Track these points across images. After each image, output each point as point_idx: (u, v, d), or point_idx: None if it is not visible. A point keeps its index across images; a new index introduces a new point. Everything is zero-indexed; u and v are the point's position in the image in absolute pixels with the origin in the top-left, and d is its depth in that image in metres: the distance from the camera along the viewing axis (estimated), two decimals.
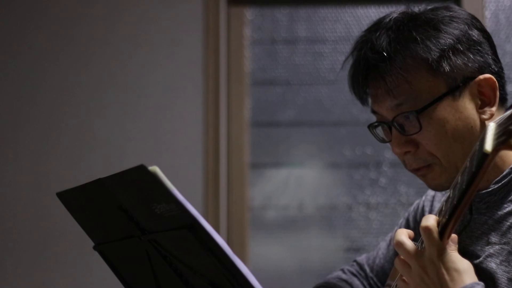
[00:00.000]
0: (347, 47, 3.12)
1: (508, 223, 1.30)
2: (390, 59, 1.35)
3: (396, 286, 1.36)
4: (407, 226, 1.60)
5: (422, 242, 1.23)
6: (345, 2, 3.16)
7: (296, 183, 3.15)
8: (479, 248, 1.32)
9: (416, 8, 1.41)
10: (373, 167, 3.11)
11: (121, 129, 3.01)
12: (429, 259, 1.21)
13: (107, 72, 3.03)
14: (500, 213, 1.32)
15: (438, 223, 1.21)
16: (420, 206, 1.59)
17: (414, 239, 1.26)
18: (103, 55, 3.04)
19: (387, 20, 1.39)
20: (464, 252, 1.27)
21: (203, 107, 3.00)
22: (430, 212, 1.55)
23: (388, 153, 3.06)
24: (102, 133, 3.01)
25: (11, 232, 2.98)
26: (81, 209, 1.34)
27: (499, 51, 1.45)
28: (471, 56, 1.35)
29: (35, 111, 3.03)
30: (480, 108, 1.36)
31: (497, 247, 1.29)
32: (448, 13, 1.38)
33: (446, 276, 1.19)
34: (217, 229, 2.90)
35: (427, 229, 1.21)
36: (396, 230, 1.35)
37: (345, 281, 1.66)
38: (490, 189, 1.34)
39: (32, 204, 2.98)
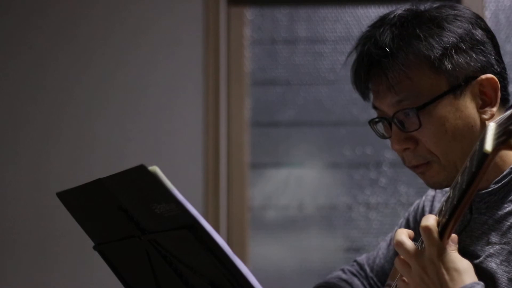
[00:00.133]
0: (347, 47, 3.13)
1: (508, 223, 1.30)
2: (392, 55, 1.35)
3: (396, 286, 1.36)
4: (407, 226, 1.60)
5: (422, 242, 1.23)
6: (345, 2, 3.16)
7: (296, 183, 3.15)
8: (479, 248, 1.32)
9: (422, 6, 1.41)
10: (373, 167, 3.11)
11: (121, 129, 3.01)
12: (429, 259, 1.21)
13: (107, 72, 3.03)
14: (500, 213, 1.32)
15: (438, 223, 1.21)
16: (420, 206, 1.59)
17: (414, 239, 1.26)
18: (103, 55, 3.04)
19: (392, 16, 1.39)
20: (464, 252, 1.27)
21: (203, 107, 3.00)
22: (430, 212, 1.55)
23: (388, 153, 3.06)
24: (102, 133, 3.01)
25: (11, 232, 2.98)
26: (81, 209, 1.34)
27: None
28: (473, 55, 1.36)
29: (35, 111, 3.03)
30: (481, 108, 1.36)
31: (497, 247, 1.29)
32: (453, 12, 1.38)
33: (446, 276, 1.19)
34: (217, 229, 2.90)
35: (427, 229, 1.21)
36: (396, 230, 1.35)
37: (345, 281, 1.66)
38: (490, 189, 1.34)
39: (32, 204, 2.98)
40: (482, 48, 1.37)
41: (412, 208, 1.63)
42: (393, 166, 3.09)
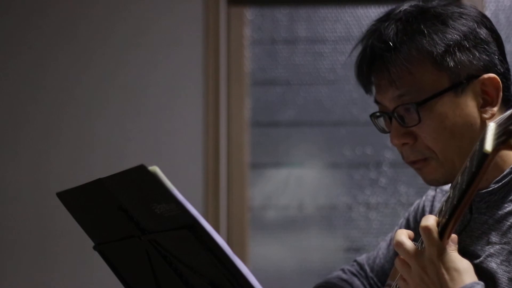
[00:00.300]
0: (347, 47, 3.13)
1: (509, 223, 1.30)
2: (395, 50, 1.35)
3: (396, 286, 1.36)
4: (407, 226, 1.60)
5: (422, 242, 1.23)
6: (345, 2, 3.16)
7: (296, 183, 3.15)
8: (479, 248, 1.31)
9: (429, 3, 1.41)
10: (373, 167, 3.11)
11: (121, 129, 3.01)
12: (429, 259, 1.21)
13: (107, 72, 3.03)
14: (500, 212, 1.32)
15: (438, 223, 1.21)
16: (421, 206, 1.59)
17: (414, 239, 1.26)
18: (103, 55, 3.04)
19: (398, 11, 1.40)
20: (464, 252, 1.27)
21: (203, 107, 3.00)
22: (431, 212, 1.54)
23: (388, 153, 3.06)
24: (102, 133, 3.01)
25: (11, 232, 2.98)
26: (81, 209, 1.34)
27: None
28: (477, 54, 1.36)
29: (35, 111, 3.03)
30: (482, 107, 1.36)
31: (497, 246, 1.29)
32: (458, 10, 1.38)
33: (446, 276, 1.19)
34: (217, 229, 2.90)
35: (427, 229, 1.21)
36: (396, 230, 1.35)
37: (346, 281, 1.66)
38: (491, 188, 1.34)
39: (32, 204, 2.98)
40: (486, 47, 1.37)
41: (412, 208, 1.63)
42: (393, 166, 3.08)
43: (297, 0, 3.18)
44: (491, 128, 1.12)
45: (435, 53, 1.34)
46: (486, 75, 1.36)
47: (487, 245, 1.31)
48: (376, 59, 1.38)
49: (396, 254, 1.29)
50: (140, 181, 1.15)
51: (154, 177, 1.10)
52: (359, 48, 1.43)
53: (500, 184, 1.34)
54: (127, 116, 3.01)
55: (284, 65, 3.18)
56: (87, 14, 3.07)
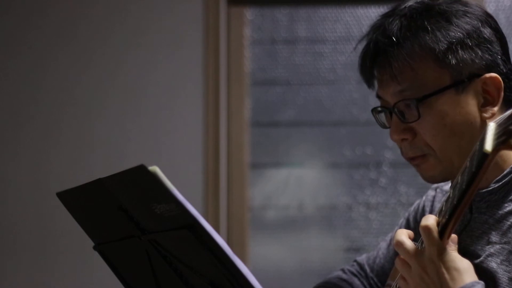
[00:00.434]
0: (347, 47, 3.13)
1: (509, 223, 1.30)
2: (398, 45, 1.36)
3: (396, 285, 1.36)
4: (407, 226, 1.60)
5: (422, 242, 1.23)
6: (345, 2, 3.16)
7: (296, 183, 3.15)
8: (479, 247, 1.31)
9: (435, 0, 1.42)
10: (373, 167, 3.11)
11: (121, 129, 3.01)
12: (429, 258, 1.21)
13: (107, 72, 3.03)
14: (500, 212, 1.32)
15: (438, 223, 1.21)
16: (421, 206, 1.59)
17: (414, 239, 1.26)
18: (103, 55, 3.04)
19: (403, 7, 1.40)
20: (465, 251, 1.27)
21: (203, 107, 3.00)
22: (431, 212, 1.55)
23: (388, 153, 3.06)
24: (102, 133, 3.01)
25: (11, 232, 2.98)
26: (81, 209, 1.34)
27: None
28: (479, 53, 1.36)
29: (35, 111, 3.03)
30: (482, 106, 1.36)
31: (497, 246, 1.29)
32: (463, 8, 1.39)
33: (446, 276, 1.19)
34: (217, 229, 2.90)
35: (427, 229, 1.21)
36: (396, 230, 1.35)
37: (346, 281, 1.66)
38: (491, 188, 1.34)
39: (32, 204, 2.98)
40: (489, 46, 1.37)
41: (412, 208, 1.63)
42: (393, 166, 3.08)
43: (297, 0, 3.18)
44: (491, 128, 1.12)
45: (437, 50, 1.35)
46: (488, 75, 1.36)
47: (487, 244, 1.31)
48: (379, 54, 1.39)
49: (396, 254, 1.29)
50: (140, 181, 1.15)
51: (154, 177, 1.10)
52: (363, 44, 1.43)
53: (500, 183, 1.34)
54: (127, 116, 3.01)
55: (284, 65, 3.18)
56: (87, 14, 3.07)
